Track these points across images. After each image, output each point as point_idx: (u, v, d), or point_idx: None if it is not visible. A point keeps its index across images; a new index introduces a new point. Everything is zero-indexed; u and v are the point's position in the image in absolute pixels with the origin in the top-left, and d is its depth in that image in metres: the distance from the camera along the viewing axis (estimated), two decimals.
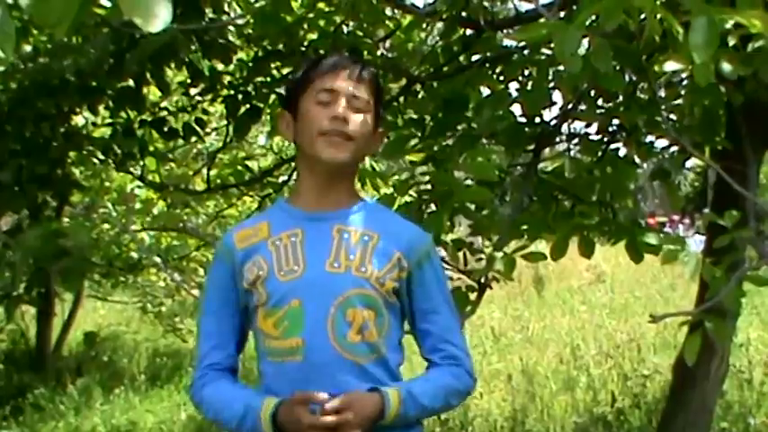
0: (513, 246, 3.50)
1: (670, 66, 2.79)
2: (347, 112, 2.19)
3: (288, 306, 2.16)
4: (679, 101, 4.11)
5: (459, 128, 3.77)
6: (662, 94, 4.30)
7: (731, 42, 3.14)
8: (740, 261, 2.94)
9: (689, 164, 4.09)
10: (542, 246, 4.17)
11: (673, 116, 4.25)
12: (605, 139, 4.39)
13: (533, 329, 10.50)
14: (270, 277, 2.19)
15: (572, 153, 4.34)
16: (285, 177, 6.07)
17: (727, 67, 2.92)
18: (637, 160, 4.46)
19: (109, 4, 3.80)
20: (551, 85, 3.62)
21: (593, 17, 2.26)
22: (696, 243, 11.76)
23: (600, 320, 10.84)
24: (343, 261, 2.17)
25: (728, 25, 2.32)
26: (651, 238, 3.39)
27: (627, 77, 3.96)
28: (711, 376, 4.49)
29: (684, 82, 4.05)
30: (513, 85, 4.19)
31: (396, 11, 4.82)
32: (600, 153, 4.29)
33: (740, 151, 3.79)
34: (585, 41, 2.40)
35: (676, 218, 33.14)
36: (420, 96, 4.44)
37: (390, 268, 2.20)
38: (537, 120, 4.00)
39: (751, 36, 2.83)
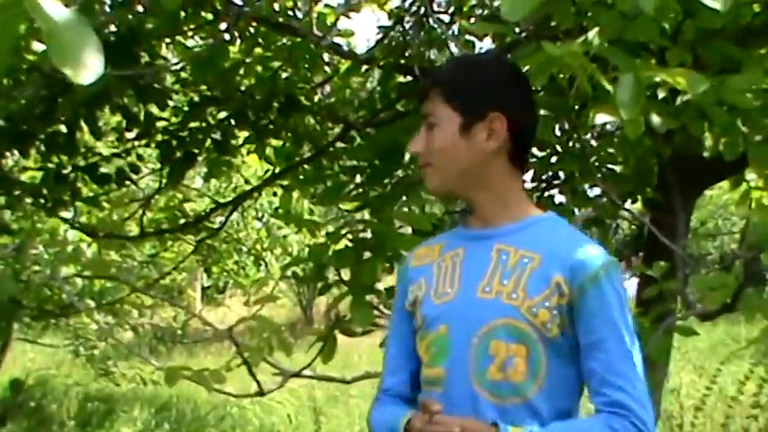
0: None
1: (601, 118, 2.85)
2: (418, 138, 2.02)
3: (437, 332, 1.97)
4: (612, 151, 4.21)
5: (396, 175, 3.80)
6: (595, 143, 4.40)
7: (661, 95, 3.23)
8: (668, 311, 2.98)
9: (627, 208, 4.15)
10: None
11: (609, 166, 4.34)
12: (541, 187, 4.45)
13: None
14: (426, 299, 2.02)
15: None
16: (222, 219, 6.06)
17: (656, 120, 2.99)
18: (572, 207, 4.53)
19: (42, 48, 3.78)
20: None
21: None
22: (633, 287, 11.86)
23: None
24: (495, 286, 1.92)
25: (658, 79, 2.38)
26: None
27: (560, 128, 4.05)
28: None
29: (618, 132, 4.14)
30: None
31: (334, 57, 4.84)
32: (535, 200, 4.35)
33: (670, 202, 3.87)
34: None
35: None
36: (357, 143, 4.45)
37: (547, 295, 1.89)
38: None
39: (679, 90, 2.90)
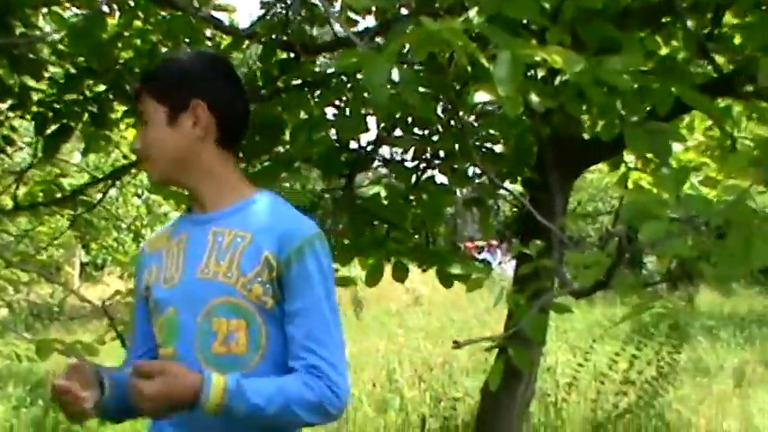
0: None
1: (480, 96, 2.85)
2: (137, 136, 2.18)
3: (166, 314, 2.12)
4: (492, 131, 4.24)
5: (276, 151, 3.76)
6: (476, 123, 4.42)
7: (540, 75, 3.25)
8: (543, 289, 3.02)
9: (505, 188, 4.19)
10: (359, 270, 4.22)
11: (489, 145, 4.37)
12: (421, 166, 4.46)
13: (350, 352, 10.55)
14: (156, 284, 2.17)
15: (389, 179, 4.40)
16: (100, 195, 5.92)
17: (535, 99, 3.02)
18: (452, 187, 4.55)
19: None
20: (367, 111, 3.66)
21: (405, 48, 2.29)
22: (513, 268, 12.08)
23: (416, 344, 11.00)
24: (213, 267, 2.08)
25: (539, 58, 2.39)
26: (456, 268, 3.45)
27: (441, 106, 4.06)
28: (518, 400, 4.59)
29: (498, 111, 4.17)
30: (331, 110, 4.22)
31: (215, 32, 4.76)
32: (415, 179, 4.35)
33: (547, 182, 3.91)
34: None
35: (495, 243, 33.89)
36: None
37: (259, 271, 2.05)
38: (354, 145, 4.03)
39: (558, 70, 2.93)
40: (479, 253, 26.54)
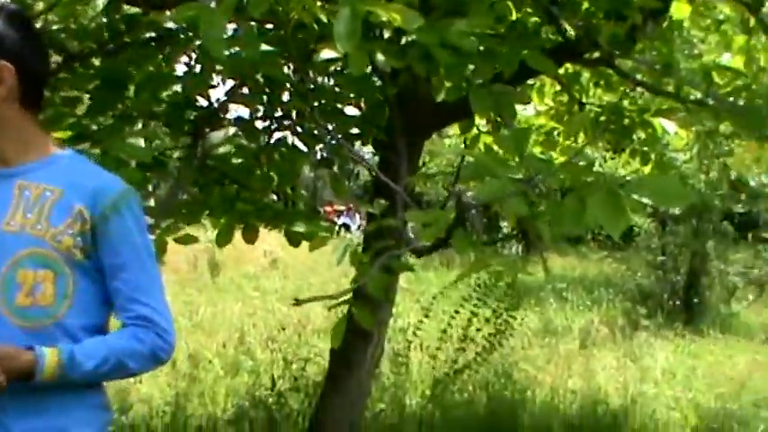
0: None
1: (325, 54, 2.85)
2: None
3: None
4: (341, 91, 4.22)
5: (120, 107, 3.67)
6: (328, 83, 4.40)
7: (386, 35, 3.25)
8: (387, 248, 3.04)
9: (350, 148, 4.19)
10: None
11: (339, 106, 4.35)
12: (272, 126, 4.42)
13: (204, 315, 10.47)
14: None
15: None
16: None
17: (381, 58, 3.02)
18: (304, 148, 4.52)
19: None
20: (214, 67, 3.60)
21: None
22: None
23: (271, 306, 10.99)
24: (20, 220, 2.06)
25: (385, 18, 2.39)
26: (301, 227, 3.45)
27: (293, 66, 4.02)
28: (367, 359, 4.64)
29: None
30: (181, 68, 4.14)
31: None
32: (267, 140, 4.32)
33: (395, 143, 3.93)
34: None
35: (354, 206, 34.01)
36: (79, 73, 4.26)
37: (70, 224, 2.06)
38: (205, 103, 3.97)
39: (406, 30, 2.94)
40: (338, 217, 26.63)
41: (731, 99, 4.09)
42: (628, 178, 2.41)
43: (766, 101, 3.30)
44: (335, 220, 25.47)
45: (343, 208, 27.38)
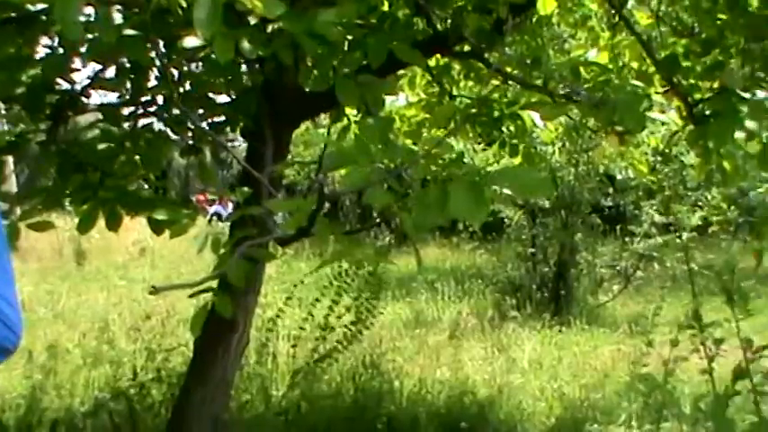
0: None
1: (190, 41, 2.79)
2: None
3: None
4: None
5: None
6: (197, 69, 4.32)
7: (252, 22, 3.20)
8: (247, 237, 3.00)
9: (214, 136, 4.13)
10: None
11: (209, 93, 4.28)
12: (138, 112, 4.32)
13: (66, 305, 10.22)
14: None
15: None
16: None
17: (246, 46, 2.98)
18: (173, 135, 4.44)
19: None
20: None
21: None
22: None
23: (137, 296, 10.77)
24: None
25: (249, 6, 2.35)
26: (162, 214, 3.38)
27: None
28: (232, 349, 4.59)
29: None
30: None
31: None
32: (132, 125, 4.22)
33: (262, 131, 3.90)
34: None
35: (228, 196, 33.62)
36: None
37: None
38: (67, 86, 3.85)
39: (272, 18, 2.90)
40: (211, 206, 26.32)
41: (597, 94, 4.18)
42: (490, 169, 2.42)
43: (623, 95, 3.38)
44: (207, 208, 25.18)
45: (215, 197, 27.08)
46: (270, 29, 3.08)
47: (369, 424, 6.06)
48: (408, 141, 5.65)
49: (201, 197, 26.84)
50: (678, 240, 10.69)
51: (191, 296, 2.91)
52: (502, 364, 8.19)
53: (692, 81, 4.37)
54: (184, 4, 2.11)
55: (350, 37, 3.55)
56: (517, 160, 5.75)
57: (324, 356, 6.64)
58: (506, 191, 2.30)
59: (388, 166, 2.36)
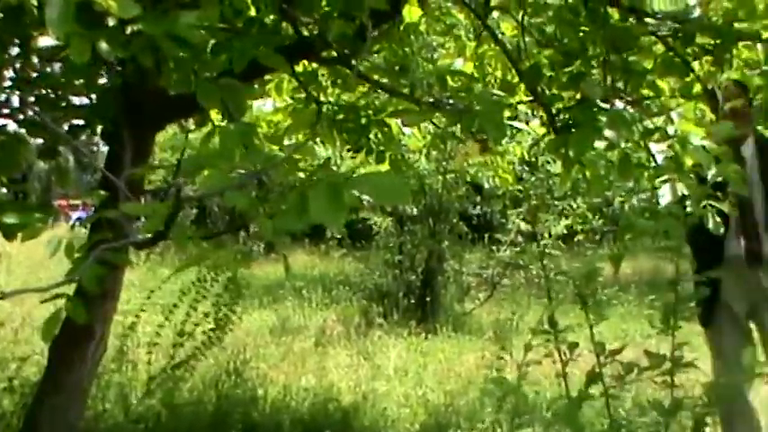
0: None
1: (44, 41, 2.71)
2: None
3: None
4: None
5: None
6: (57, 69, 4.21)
7: (111, 23, 3.13)
8: (102, 240, 2.92)
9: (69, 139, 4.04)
10: None
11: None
12: None
13: None
14: None
15: None
16: None
17: (105, 47, 2.91)
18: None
19: None
20: None
21: None
22: None
23: None
24: None
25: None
26: (12, 217, 3.28)
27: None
28: (89, 357, 4.49)
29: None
30: None
31: None
32: None
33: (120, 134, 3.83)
34: None
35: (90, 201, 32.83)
36: None
37: None
38: None
39: (131, 20, 2.84)
40: (74, 211, 25.68)
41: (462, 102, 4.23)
42: (350, 175, 2.41)
43: (485, 104, 3.43)
44: (70, 214, 24.56)
45: (78, 202, 26.45)
46: (129, 30, 3.02)
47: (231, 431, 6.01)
48: (275, 147, 5.61)
49: (64, 202, 26.18)
50: (536, 248, 10.91)
51: (42, 302, 2.82)
52: (367, 371, 8.22)
53: (555, 91, 4.46)
54: (36, 3, 2.05)
55: (213, 41, 3.51)
56: (384, 167, 5.77)
57: (181, 363, 6.52)
58: (366, 196, 2.30)
59: (248, 170, 2.34)
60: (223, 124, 5.21)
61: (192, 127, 5.83)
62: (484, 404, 6.76)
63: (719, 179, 3.71)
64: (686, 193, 3.73)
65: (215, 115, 4.92)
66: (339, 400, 6.97)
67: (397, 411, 6.90)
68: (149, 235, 2.69)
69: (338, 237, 16.37)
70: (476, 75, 5.17)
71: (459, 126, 4.79)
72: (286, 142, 5.43)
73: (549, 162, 11.22)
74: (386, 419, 6.70)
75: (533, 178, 12.10)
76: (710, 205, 3.68)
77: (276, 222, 2.34)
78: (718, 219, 3.74)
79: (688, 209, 3.71)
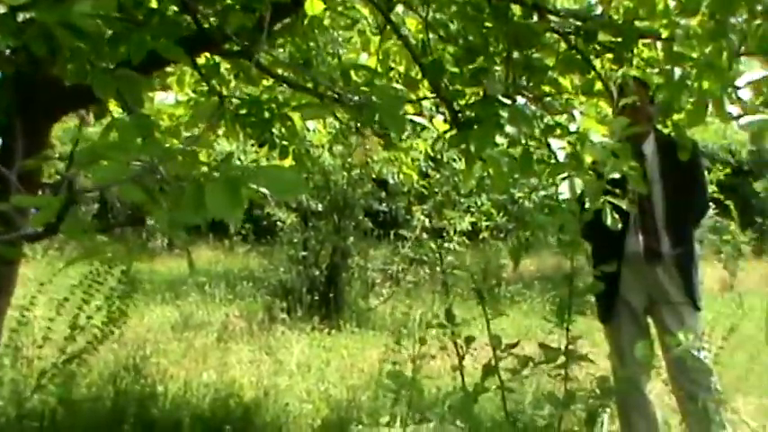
0: None
1: None
2: None
3: None
4: None
5: None
6: None
7: (1, 11, 3.06)
8: None
9: None
10: None
11: None
12: None
13: None
14: None
15: None
16: None
17: None
18: None
19: None
20: None
21: None
22: None
23: None
24: None
25: None
26: None
27: None
28: None
29: None
30: None
31: None
32: None
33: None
34: None
35: None
36: None
37: None
38: None
39: (21, 6, 2.79)
40: None
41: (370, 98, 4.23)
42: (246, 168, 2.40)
43: (385, 99, 3.42)
44: None
45: None
46: (21, 18, 2.95)
47: (129, 428, 5.91)
48: (175, 141, 5.54)
49: None
50: (434, 244, 10.98)
51: None
52: (269, 366, 8.19)
53: (458, 87, 4.49)
54: None
55: (111, 31, 3.46)
56: (288, 162, 5.75)
57: (72, 357, 6.39)
58: (263, 190, 2.28)
59: (145, 163, 2.31)
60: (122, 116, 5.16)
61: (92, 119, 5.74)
62: (386, 399, 6.78)
63: (618, 176, 3.77)
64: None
65: (115, 107, 4.85)
66: (240, 396, 6.93)
67: (299, 407, 6.89)
68: (41, 228, 2.63)
69: (243, 232, 16.24)
70: (379, 70, 5.17)
71: (357, 121, 4.79)
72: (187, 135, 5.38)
73: (454, 159, 11.29)
74: (287, 415, 6.67)
75: (438, 175, 12.17)
76: (608, 202, 3.74)
77: (173, 216, 2.31)
78: (617, 215, 3.81)
79: (587, 205, 3.76)
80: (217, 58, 5.26)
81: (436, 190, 12.47)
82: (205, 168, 2.39)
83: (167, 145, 3.32)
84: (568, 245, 3.57)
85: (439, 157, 11.26)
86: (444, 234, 12.44)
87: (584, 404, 3.41)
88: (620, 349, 5.40)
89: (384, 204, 14.12)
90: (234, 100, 5.67)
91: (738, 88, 3.74)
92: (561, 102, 4.63)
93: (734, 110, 3.82)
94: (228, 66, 5.45)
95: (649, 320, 5.65)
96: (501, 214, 13.95)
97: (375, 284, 13.49)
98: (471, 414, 3.22)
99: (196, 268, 15.48)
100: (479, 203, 13.30)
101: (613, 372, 5.30)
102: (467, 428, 3.22)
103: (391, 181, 12.75)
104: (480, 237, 14.43)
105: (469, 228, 12.89)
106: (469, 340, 3.58)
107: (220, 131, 5.76)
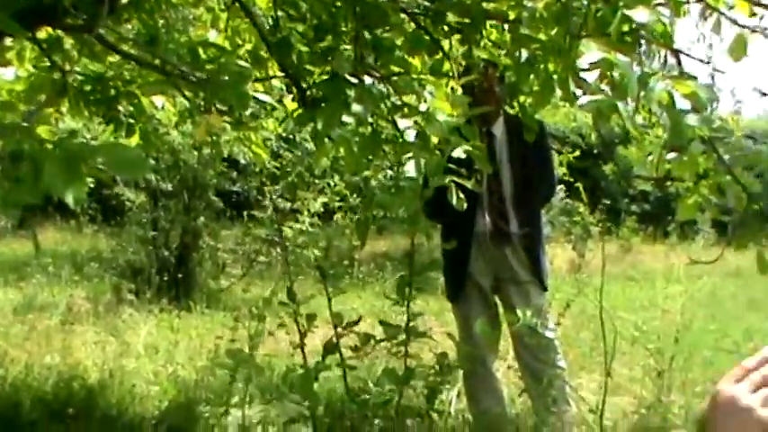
0: None
1: None
2: None
3: None
4: None
5: None
6: None
7: None
8: None
9: None
10: None
11: None
12: None
13: None
14: None
15: None
16: None
17: None
18: None
19: None
20: None
21: None
22: None
23: None
24: None
25: None
26: None
27: None
28: None
29: None
30: None
31: None
32: None
33: None
34: None
35: None
36: None
37: None
38: None
39: None
40: None
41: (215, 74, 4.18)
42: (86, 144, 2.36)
43: (229, 75, 3.40)
44: None
45: None
46: None
47: None
48: (13, 116, 5.37)
49: None
50: (289, 228, 10.96)
51: None
52: (116, 348, 8.04)
53: (307, 66, 4.48)
54: None
55: None
56: (134, 141, 5.65)
57: None
58: (103, 167, 2.25)
59: None
60: None
61: None
62: (236, 379, 6.76)
63: (465, 156, 3.83)
64: None
65: None
66: (85, 378, 6.80)
67: (147, 388, 6.79)
68: None
69: (90, 213, 15.85)
70: (228, 47, 5.13)
71: (201, 97, 4.74)
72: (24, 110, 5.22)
73: (306, 139, 11.27)
74: (134, 397, 6.57)
75: (291, 155, 12.13)
76: (454, 181, 3.79)
77: (8, 194, 2.25)
78: (462, 195, 3.86)
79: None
80: (60, 33, 5.11)
81: (289, 170, 12.44)
82: (50, 146, 2.34)
83: (4, 120, 3.23)
84: (408, 222, 3.61)
85: (291, 137, 11.22)
86: (298, 215, 12.42)
87: (425, 380, 3.47)
88: (468, 327, 5.47)
89: (237, 185, 14.01)
90: (78, 76, 5.53)
91: (583, 70, 3.83)
92: (409, 81, 4.67)
93: (580, 92, 3.90)
94: (73, 41, 5.31)
95: (497, 299, 5.75)
96: (354, 195, 13.99)
97: (226, 265, 13.37)
98: (311, 391, 3.24)
99: (42, 249, 15.08)
100: (333, 184, 13.31)
101: (458, 350, 5.40)
102: (306, 406, 3.24)
103: (243, 161, 12.64)
104: (334, 219, 14.46)
105: (322, 209, 12.89)
106: (311, 318, 3.59)
107: (64, 108, 5.61)
